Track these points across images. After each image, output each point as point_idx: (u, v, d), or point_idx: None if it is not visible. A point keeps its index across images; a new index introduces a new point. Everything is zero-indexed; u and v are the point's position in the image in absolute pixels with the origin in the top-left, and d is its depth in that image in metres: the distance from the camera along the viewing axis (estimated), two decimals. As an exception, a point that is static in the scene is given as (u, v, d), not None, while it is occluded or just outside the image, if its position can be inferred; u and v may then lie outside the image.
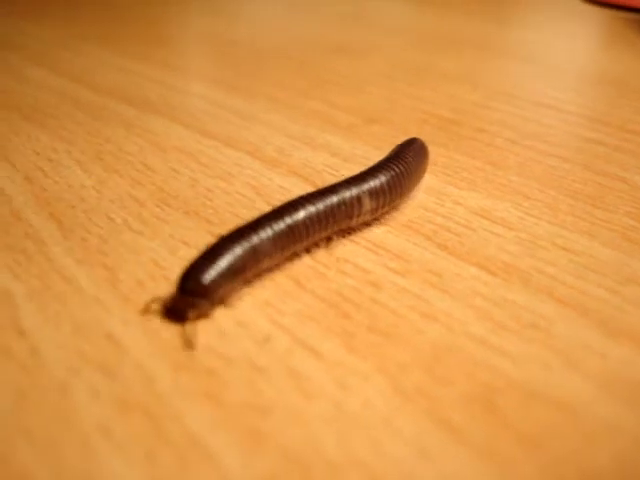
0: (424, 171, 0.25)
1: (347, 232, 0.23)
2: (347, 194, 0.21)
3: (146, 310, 0.19)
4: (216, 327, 0.18)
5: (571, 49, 0.53)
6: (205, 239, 0.22)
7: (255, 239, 0.19)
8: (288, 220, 0.20)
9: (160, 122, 0.34)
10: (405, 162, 0.23)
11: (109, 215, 0.24)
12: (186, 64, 0.46)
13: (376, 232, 0.23)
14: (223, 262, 0.18)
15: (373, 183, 0.22)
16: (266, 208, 0.24)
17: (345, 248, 0.22)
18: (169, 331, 0.18)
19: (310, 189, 0.26)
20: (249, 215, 0.24)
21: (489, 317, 0.18)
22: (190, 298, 0.18)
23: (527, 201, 0.25)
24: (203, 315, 0.18)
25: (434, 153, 0.30)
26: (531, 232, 0.23)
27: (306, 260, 0.21)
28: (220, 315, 0.18)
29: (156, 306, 0.19)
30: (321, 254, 0.21)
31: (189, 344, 0.17)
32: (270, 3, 0.72)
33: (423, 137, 0.32)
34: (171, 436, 0.15)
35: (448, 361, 0.17)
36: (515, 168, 0.29)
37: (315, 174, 0.28)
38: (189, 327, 0.18)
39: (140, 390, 0.16)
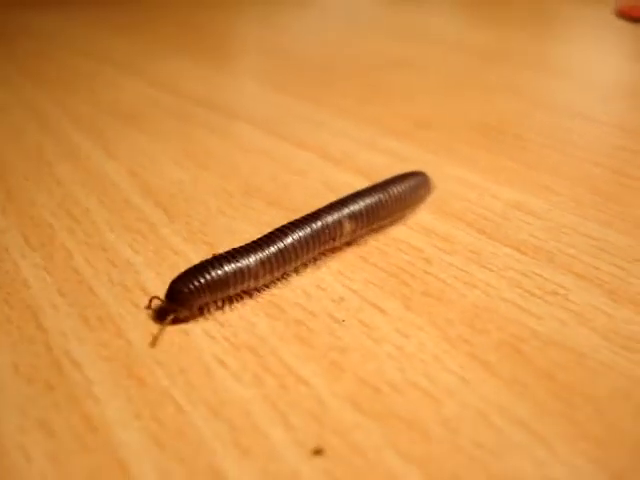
0: (417, 200, 0.28)
1: (331, 251, 0.26)
2: (329, 219, 0.24)
3: (148, 306, 0.22)
4: (301, 289, 0.23)
5: (605, 63, 0.56)
6: (282, 222, 0.27)
7: (242, 262, 0.22)
8: (276, 246, 0.22)
9: (240, 126, 0.39)
10: (386, 190, 0.26)
11: (205, 203, 0.29)
12: (258, 74, 0.51)
13: (427, 219, 0.27)
14: (205, 278, 0.21)
15: (352, 208, 0.25)
16: (333, 199, 0.29)
17: (401, 231, 0.26)
18: (263, 292, 0.23)
19: (364, 185, 0.31)
20: (321, 204, 0.29)
21: (519, 285, 0.23)
22: (171, 304, 0.21)
23: (556, 196, 0.30)
24: (182, 320, 0.22)
25: (478, 155, 0.35)
26: (557, 221, 0.27)
27: (369, 241, 0.26)
28: (303, 280, 0.23)
29: (154, 305, 0.22)
30: (381, 236, 0.26)
31: (154, 341, 0.21)
32: (329, 18, 0.77)
33: (469, 141, 0.37)
34: (272, 367, 0.20)
35: (485, 317, 0.21)
36: (548, 169, 0.33)
37: (374, 173, 0.32)
38: (162, 327, 0.21)
39: (245, 334, 0.21)
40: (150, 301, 0.22)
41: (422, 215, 0.28)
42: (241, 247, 0.22)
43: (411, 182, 0.27)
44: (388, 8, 0.81)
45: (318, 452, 0.17)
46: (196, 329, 0.21)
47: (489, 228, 0.26)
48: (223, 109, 0.43)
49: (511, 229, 0.26)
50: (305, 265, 0.24)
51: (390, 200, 0.25)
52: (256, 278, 0.22)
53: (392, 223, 0.27)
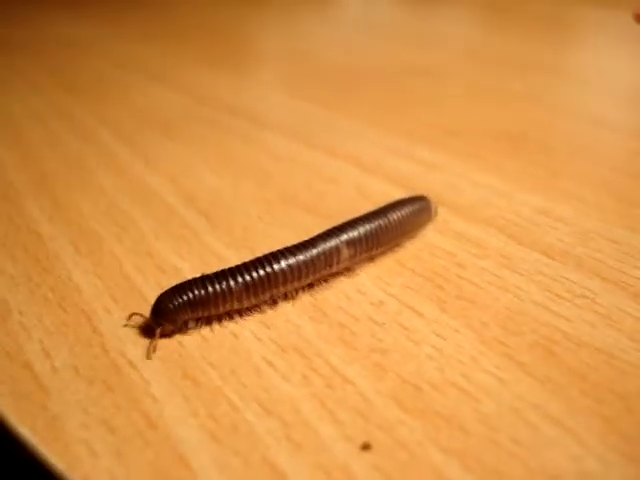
0: (418, 226, 0.28)
1: (331, 277, 0.26)
2: (326, 245, 0.24)
3: (129, 319, 0.23)
4: (342, 293, 0.24)
5: (624, 68, 0.57)
6: (320, 229, 0.28)
7: (225, 284, 0.22)
8: (263, 271, 0.23)
9: (269, 134, 0.41)
10: (386, 216, 0.26)
11: (245, 211, 0.30)
12: (283, 81, 0.53)
13: (459, 225, 0.29)
14: (189, 297, 0.22)
15: (351, 234, 0.25)
16: (369, 208, 0.30)
17: (435, 237, 0.28)
18: (306, 295, 0.24)
19: (402, 193, 0.32)
20: (357, 212, 0.30)
21: (549, 289, 0.24)
22: (156, 319, 0.22)
23: (581, 203, 0.31)
24: (167, 334, 0.22)
25: (505, 162, 0.36)
26: (583, 227, 0.28)
27: (406, 246, 0.27)
28: (343, 285, 0.24)
29: (138, 319, 0.23)
30: (416, 242, 0.27)
31: (148, 354, 0.21)
32: (348, 25, 0.78)
33: (496, 149, 0.38)
34: (318, 367, 0.21)
35: (518, 320, 0.22)
36: (572, 176, 0.34)
37: (407, 181, 0.34)
38: (152, 341, 0.22)
39: (291, 337, 0.22)
40: (130, 317, 0.23)
41: (454, 221, 0.29)
42: (229, 268, 0.23)
43: (412, 207, 0.27)
44: (406, 15, 0.83)
45: (366, 447, 0.18)
46: (244, 332, 0.22)
47: (519, 234, 0.28)
48: (252, 117, 0.44)
49: (539, 234, 0.28)
50: (338, 273, 0.25)
51: (390, 226, 0.25)
52: (239, 300, 0.23)
53: (394, 248, 0.27)
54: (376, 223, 0.25)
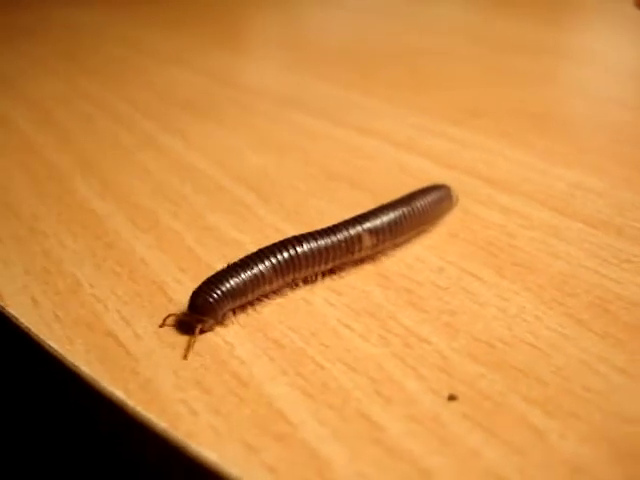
0: (439, 214, 0.28)
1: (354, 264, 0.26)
2: (347, 233, 0.24)
3: (163, 324, 0.22)
4: (402, 262, 0.25)
5: (627, 53, 0.60)
6: (369, 203, 0.29)
7: (258, 268, 0.23)
8: (288, 253, 0.23)
9: (297, 114, 0.42)
10: (409, 205, 0.26)
11: (294, 187, 0.32)
12: (301, 65, 0.54)
13: (503, 199, 0.30)
14: (227, 286, 0.22)
15: (372, 222, 0.25)
16: (411, 183, 0.31)
17: (482, 211, 0.29)
18: (368, 265, 0.25)
19: (441, 169, 0.33)
20: (400, 187, 0.31)
21: (596, 255, 0.25)
22: (196, 315, 0.22)
23: (609, 176, 0.32)
24: (207, 330, 0.22)
25: (532, 139, 0.37)
26: (617, 198, 0.30)
27: (454, 219, 0.28)
28: (402, 254, 0.26)
29: (170, 321, 0.23)
30: (464, 215, 0.29)
31: (186, 354, 0.21)
32: (351, 11, 0.79)
33: (521, 128, 0.39)
34: (393, 329, 0.22)
35: (572, 283, 0.24)
36: (596, 152, 0.36)
37: (441, 157, 0.35)
38: (192, 339, 0.22)
39: (361, 302, 0.23)
40: (165, 319, 0.23)
41: (497, 195, 0.30)
42: (253, 254, 0.23)
43: (434, 196, 0.27)
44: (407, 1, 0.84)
45: (452, 398, 0.19)
46: (316, 299, 0.24)
47: (559, 206, 0.29)
48: (276, 98, 0.45)
49: (578, 207, 0.29)
50: (393, 246, 0.26)
51: (412, 214, 0.26)
52: (270, 283, 0.23)
53: (416, 236, 0.27)
54: (399, 212, 0.26)
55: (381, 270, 0.25)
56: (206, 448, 0.18)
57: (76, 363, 0.21)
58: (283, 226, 0.28)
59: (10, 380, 0.27)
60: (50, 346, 0.22)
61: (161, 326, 0.22)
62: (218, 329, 0.22)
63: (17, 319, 0.24)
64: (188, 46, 0.60)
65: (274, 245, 0.24)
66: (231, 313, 0.23)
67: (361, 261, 0.25)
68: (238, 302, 0.23)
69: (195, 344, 0.22)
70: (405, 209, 0.26)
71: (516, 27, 0.66)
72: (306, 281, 0.25)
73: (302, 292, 0.24)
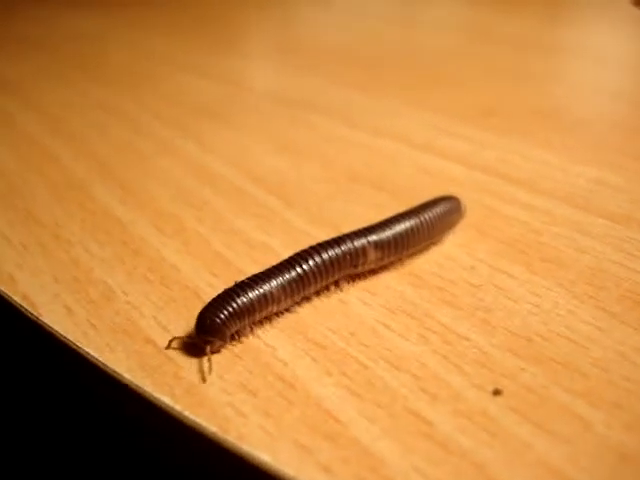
0: (448, 226, 0.27)
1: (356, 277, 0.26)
2: (351, 245, 0.24)
3: (168, 346, 0.22)
4: (433, 261, 0.26)
5: (627, 50, 0.61)
6: (393, 204, 0.29)
7: (265, 287, 0.22)
8: (295, 271, 0.23)
9: (315, 117, 0.42)
10: (416, 218, 0.25)
11: (315, 189, 0.32)
12: (310, 68, 0.54)
13: (524, 197, 0.31)
14: (234, 306, 0.22)
15: (378, 236, 0.25)
16: (433, 183, 0.32)
17: (505, 209, 0.30)
18: (398, 265, 0.26)
19: (461, 169, 0.34)
20: (422, 188, 0.32)
21: (621, 249, 0.26)
22: (205, 336, 0.21)
23: (626, 172, 0.33)
24: (215, 351, 0.22)
25: (547, 137, 0.38)
26: (637, 193, 0.31)
27: (480, 217, 0.29)
28: (432, 253, 0.26)
29: (175, 344, 0.22)
30: (490, 213, 0.29)
31: (203, 376, 0.21)
32: (347, 14, 0.80)
33: (535, 126, 0.40)
34: (431, 326, 0.22)
35: (601, 277, 0.24)
36: (613, 148, 0.37)
37: (460, 157, 0.35)
38: (207, 359, 0.21)
39: (396, 301, 0.24)
40: (170, 342, 0.22)
41: (519, 194, 0.31)
42: (261, 273, 0.23)
43: (442, 208, 0.27)
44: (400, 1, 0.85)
45: (497, 393, 0.20)
46: (351, 299, 0.24)
47: (580, 202, 0.30)
48: (291, 101, 0.46)
49: (600, 202, 0.30)
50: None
51: (420, 228, 0.26)
52: (278, 303, 0.23)
53: (424, 250, 0.27)
54: (406, 225, 0.25)
55: (413, 269, 0.25)
56: (259, 450, 0.18)
57: (118, 370, 0.22)
58: (310, 229, 0.28)
59: (46, 390, 0.27)
60: (90, 354, 0.22)
61: (167, 348, 0.22)
62: (257, 333, 0.23)
63: (52, 328, 0.24)
64: (195, 51, 0.60)
65: (281, 263, 0.23)
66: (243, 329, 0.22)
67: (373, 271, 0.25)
68: (246, 322, 0.22)
69: (226, 351, 0.22)
70: (412, 222, 0.25)
71: (518, 25, 0.67)
72: (308, 298, 0.24)
73: (336, 293, 0.24)
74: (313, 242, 0.26)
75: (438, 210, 0.26)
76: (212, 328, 0.21)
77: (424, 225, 0.25)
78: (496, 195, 0.31)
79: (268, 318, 0.23)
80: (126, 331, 0.23)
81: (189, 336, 0.22)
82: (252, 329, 0.23)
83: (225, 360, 0.22)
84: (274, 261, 0.25)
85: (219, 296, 0.22)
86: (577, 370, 0.20)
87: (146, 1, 0.86)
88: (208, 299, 0.24)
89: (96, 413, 0.24)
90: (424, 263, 0.26)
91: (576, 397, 0.19)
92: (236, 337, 0.22)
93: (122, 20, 0.75)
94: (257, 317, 0.23)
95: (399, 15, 0.77)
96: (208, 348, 0.21)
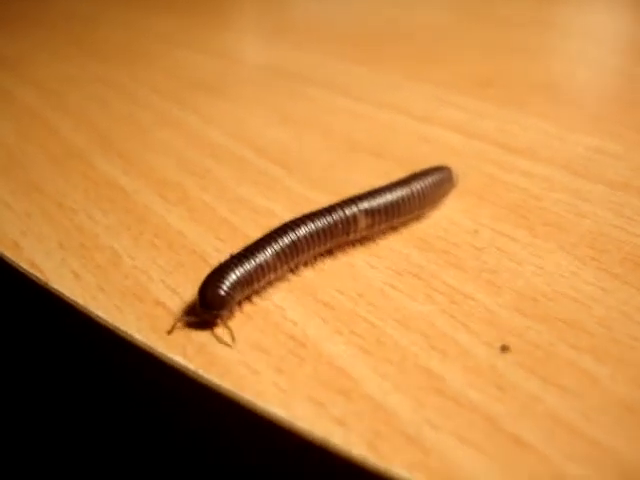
0: (439, 196, 0.27)
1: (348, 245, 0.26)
2: (342, 213, 0.24)
3: (171, 330, 0.21)
4: (437, 225, 0.26)
5: (615, 24, 0.62)
6: (394, 171, 0.29)
7: (261, 256, 0.22)
8: (288, 238, 0.23)
9: (315, 90, 0.42)
10: (407, 187, 0.26)
11: (316, 158, 0.32)
12: (308, 42, 0.55)
13: (524, 164, 0.31)
14: (233, 277, 0.22)
15: (368, 203, 0.25)
16: (432, 151, 0.33)
17: (505, 176, 0.30)
18: (404, 228, 0.26)
19: (459, 138, 0.34)
20: (422, 156, 0.32)
21: (621, 214, 0.27)
22: (211, 310, 0.21)
23: (624, 140, 0.34)
24: (224, 321, 0.22)
25: (544, 107, 0.39)
26: (635, 162, 0.31)
27: (480, 184, 0.29)
28: (436, 218, 0.27)
29: (180, 325, 0.22)
30: (489, 180, 0.30)
31: (227, 342, 0.21)
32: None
33: (532, 97, 0.41)
34: (437, 287, 0.23)
35: (602, 240, 0.25)
36: (608, 118, 0.37)
37: (459, 126, 0.36)
38: (218, 331, 0.21)
39: (403, 264, 0.24)
40: (173, 326, 0.22)
41: (518, 161, 0.31)
42: (255, 243, 0.23)
43: (434, 178, 0.27)
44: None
45: (505, 349, 0.20)
46: (358, 262, 0.24)
47: (579, 170, 0.30)
48: (289, 75, 0.46)
49: (598, 170, 0.30)
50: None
51: (410, 197, 0.26)
52: (275, 270, 0.23)
53: (415, 219, 0.27)
54: (397, 194, 0.25)
55: (417, 233, 0.26)
56: (274, 405, 0.19)
57: (129, 332, 0.22)
58: (312, 194, 0.29)
59: (55, 356, 0.27)
60: (100, 317, 0.23)
61: (169, 332, 0.21)
62: (265, 295, 0.23)
63: (61, 293, 0.24)
64: (191, 29, 0.60)
65: (274, 231, 0.24)
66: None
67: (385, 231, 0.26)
68: (245, 291, 0.22)
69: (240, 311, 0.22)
70: (401, 191, 0.26)
71: (514, 6, 0.67)
72: (306, 264, 0.24)
73: (343, 257, 0.25)
74: (315, 207, 0.26)
75: (429, 180, 0.27)
76: (216, 301, 0.22)
77: (414, 194, 0.26)
78: (495, 163, 0.31)
79: (270, 284, 0.23)
80: (135, 294, 0.23)
81: (196, 314, 0.22)
82: (251, 298, 0.23)
83: (235, 320, 0.22)
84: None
85: (215, 270, 0.22)
86: (582, 328, 0.21)
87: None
88: (215, 263, 0.24)
89: (108, 377, 0.25)
90: (428, 227, 0.26)
91: (582, 353, 0.20)
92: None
93: (113, 1, 0.74)
94: (256, 286, 0.23)
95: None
96: (219, 320, 0.21)
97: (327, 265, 0.24)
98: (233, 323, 0.22)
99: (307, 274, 0.24)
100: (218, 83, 0.44)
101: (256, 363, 0.20)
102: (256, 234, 0.25)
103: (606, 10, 0.67)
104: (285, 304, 0.23)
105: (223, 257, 0.24)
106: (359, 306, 0.22)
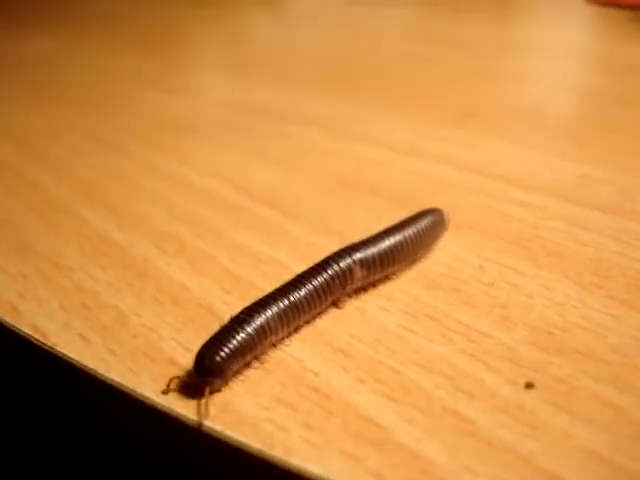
0: (432, 239, 0.27)
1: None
2: (338, 267, 0.24)
3: (167, 390, 0.21)
4: (441, 263, 0.26)
5: (585, 44, 0.64)
6: (394, 210, 0.30)
7: (262, 319, 0.22)
8: (291, 298, 0.23)
9: (296, 129, 0.43)
10: (400, 234, 0.25)
11: (312, 199, 0.32)
12: (279, 79, 0.55)
13: (516, 193, 0.32)
14: (234, 343, 0.21)
15: (363, 254, 0.24)
16: (426, 186, 0.33)
17: (501, 206, 0.31)
18: (408, 269, 0.26)
19: (452, 171, 0.35)
20: (416, 190, 0.32)
21: (619, 239, 0.27)
22: (205, 378, 0.21)
23: (610, 164, 0.34)
24: (216, 390, 0.21)
25: (530, 135, 0.40)
26: (623, 184, 0.32)
27: (478, 215, 0.30)
28: (440, 254, 0.27)
29: (174, 385, 0.21)
30: (484, 211, 0.30)
31: (201, 416, 0.20)
32: (300, 21, 0.81)
33: (517, 124, 0.42)
34: (452, 327, 0.23)
35: (605, 267, 0.26)
36: (590, 142, 0.39)
37: (449, 160, 0.36)
38: (204, 401, 0.20)
39: (414, 305, 0.24)
40: (169, 384, 0.21)
41: (511, 191, 0.32)
42: (254, 304, 0.23)
43: (425, 222, 0.27)
44: (354, 9, 0.86)
45: (529, 386, 0.20)
46: (369, 306, 0.24)
47: (571, 196, 0.31)
48: (268, 114, 0.46)
49: (590, 195, 0.31)
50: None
51: (403, 244, 0.26)
52: (276, 334, 0.23)
53: (409, 265, 0.27)
54: (390, 241, 0.25)
55: (423, 272, 0.26)
56: (308, 462, 0.18)
57: (146, 394, 0.21)
58: (313, 238, 0.29)
59: (66, 422, 0.26)
60: (114, 381, 0.22)
61: (165, 392, 0.21)
62: (281, 347, 0.23)
63: (69, 357, 0.23)
64: (152, 68, 0.60)
65: (274, 293, 0.23)
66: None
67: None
68: (246, 359, 0.22)
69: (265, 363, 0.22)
70: (394, 239, 0.25)
71: (474, 29, 0.69)
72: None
73: (353, 301, 0.25)
74: (320, 252, 0.26)
75: (422, 224, 0.26)
76: (212, 369, 0.21)
77: (408, 240, 0.26)
78: (489, 194, 0.32)
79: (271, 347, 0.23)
80: (147, 354, 0.23)
81: (189, 375, 0.21)
82: (251, 364, 0.22)
83: (254, 375, 0.22)
84: (284, 274, 0.25)
85: (220, 331, 0.22)
86: (599, 358, 0.21)
87: (87, 23, 0.85)
88: (224, 316, 0.24)
89: (126, 444, 0.24)
90: (433, 265, 0.26)
91: (604, 384, 0.20)
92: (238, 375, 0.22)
93: (75, 44, 0.73)
94: (258, 351, 0.22)
95: (350, 20, 0.78)
96: (207, 390, 0.21)
97: (338, 311, 0.24)
98: (253, 377, 0.21)
99: (319, 322, 0.24)
100: (192, 124, 0.44)
101: (283, 419, 0.20)
102: (261, 283, 0.25)
103: (569, 29, 0.70)
104: (302, 355, 0.22)
105: (230, 310, 0.24)
106: (378, 352, 0.22)
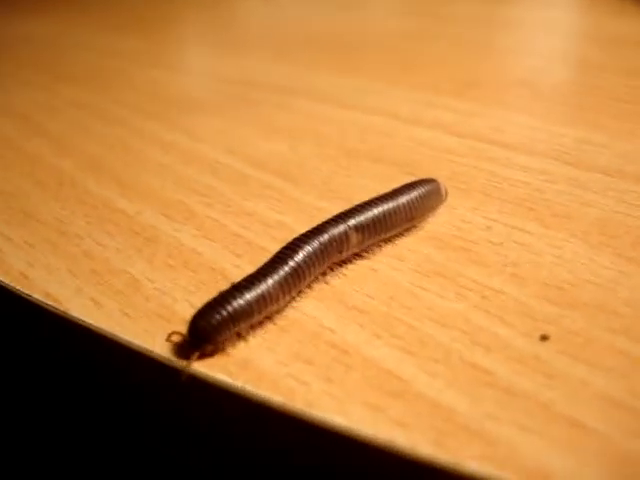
0: (427, 209, 0.27)
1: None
2: (335, 231, 0.24)
3: (168, 339, 0.21)
4: (450, 224, 0.27)
5: (578, 20, 0.65)
6: (396, 175, 0.30)
7: (263, 286, 0.22)
8: (290, 263, 0.23)
9: (302, 101, 0.43)
10: (394, 200, 0.26)
11: (316, 167, 0.32)
12: (280, 54, 0.55)
13: (520, 159, 0.32)
14: (229, 310, 0.21)
15: (358, 219, 0.25)
16: (428, 153, 0.33)
17: (504, 171, 0.31)
18: (418, 229, 0.26)
19: (453, 139, 0.35)
20: (417, 157, 0.32)
21: (622, 200, 0.28)
22: (196, 341, 0.21)
23: (608, 131, 0.35)
24: (207, 355, 0.21)
25: (530, 104, 0.40)
26: (622, 149, 0.33)
27: (479, 180, 0.30)
28: (449, 216, 0.27)
29: (176, 338, 0.22)
30: (490, 176, 0.30)
31: (182, 377, 0.20)
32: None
33: (516, 94, 0.42)
34: (465, 284, 0.23)
35: (611, 227, 0.26)
36: (588, 110, 0.39)
37: (450, 127, 0.36)
38: (187, 364, 0.21)
39: (426, 264, 0.25)
40: (170, 335, 0.22)
41: (515, 157, 0.32)
42: (257, 272, 0.23)
43: (421, 190, 0.27)
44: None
45: (545, 338, 0.21)
46: (381, 266, 0.25)
47: (572, 160, 0.31)
48: (272, 87, 0.46)
49: (591, 159, 0.32)
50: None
51: (398, 210, 0.26)
52: (277, 301, 0.23)
53: (405, 232, 0.27)
54: (385, 207, 0.25)
55: (432, 234, 0.26)
56: (331, 414, 0.19)
57: (165, 355, 0.21)
58: (321, 204, 0.29)
59: (80, 386, 0.26)
60: (131, 342, 0.22)
61: (167, 340, 0.21)
62: (295, 305, 0.23)
63: (83, 321, 0.23)
64: (154, 46, 0.60)
65: (273, 260, 0.23)
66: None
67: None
68: (241, 326, 0.22)
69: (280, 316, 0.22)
70: (389, 205, 0.26)
71: (469, 5, 0.70)
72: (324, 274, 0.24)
73: (364, 262, 0.25)
74: (326, 216, 0.26)
75: (417, 192, 0.26)
76: (205, 334, 0.21)
77: (401, 207, 0.26)
78: (493, 160, 0.32)
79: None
80: (162, 316, 0.23)
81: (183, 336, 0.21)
82: (251, 332, 0.22)
83: (271, 334, 0.22)
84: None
85: (216, 298, 0.22)
86: (611, 311, 0.22)
87: (88, 6, 0.84)
88: (237, 279, 0.24)
89: (146, 406, 0.24)
90: (441, 227, 0.27)
91: (617, 335, 0.21)
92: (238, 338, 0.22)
93: (73, 24, 0.73)
94: (255, 320, 0.22)
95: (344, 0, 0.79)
96: (195, 355, 0.21)
97: (351, 272, 0.25)
98: (270, 335, 0.22)
99: (333, 282, 0.24)
100: (196, 99, 0.44)
101: (303, 374, 0.20)
102: (273, 247, 0.25)
103: (561, 6, 0.70)
104: (318, 314, 0.23)
105: (242, 273, 0.24)
106: (393, 309, 0.23)
